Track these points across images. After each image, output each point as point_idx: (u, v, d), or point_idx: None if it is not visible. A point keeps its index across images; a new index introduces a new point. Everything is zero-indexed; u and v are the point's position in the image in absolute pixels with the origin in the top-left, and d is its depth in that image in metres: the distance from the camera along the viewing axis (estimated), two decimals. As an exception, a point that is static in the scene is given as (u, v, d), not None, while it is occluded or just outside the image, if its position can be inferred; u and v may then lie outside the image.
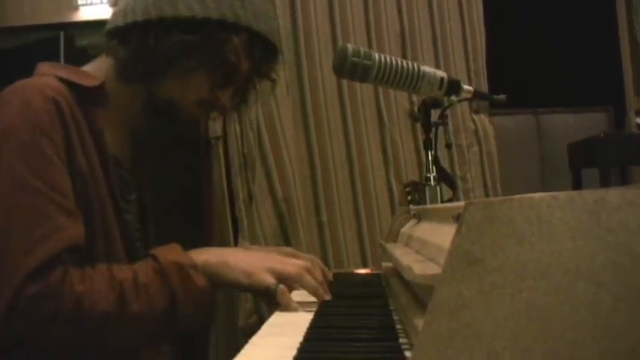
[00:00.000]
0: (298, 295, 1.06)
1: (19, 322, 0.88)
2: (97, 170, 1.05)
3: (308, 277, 1.06)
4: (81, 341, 0.92)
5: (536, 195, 0.48)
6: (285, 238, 2.27)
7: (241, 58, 1.16)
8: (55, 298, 0.89)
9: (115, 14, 1.17)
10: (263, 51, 1.18)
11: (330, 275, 1.25)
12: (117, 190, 1.09)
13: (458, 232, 0.48)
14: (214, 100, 1.17)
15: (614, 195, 0.47)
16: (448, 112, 1.42)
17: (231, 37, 1.13)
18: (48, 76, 1.07)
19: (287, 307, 1.02)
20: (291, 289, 1.06)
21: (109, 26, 1.16)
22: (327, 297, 1.06)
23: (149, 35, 1.11)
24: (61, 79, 1.06)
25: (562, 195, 0.48)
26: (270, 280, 1.03)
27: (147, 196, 1.25)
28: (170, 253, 1.01)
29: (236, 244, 2.27)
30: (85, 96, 1.07)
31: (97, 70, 1.16)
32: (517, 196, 0.48)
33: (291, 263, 1.08)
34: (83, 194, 1.00)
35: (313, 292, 1.05)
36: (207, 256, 1.04)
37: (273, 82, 1.27)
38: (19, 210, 0.93)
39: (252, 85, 1.24)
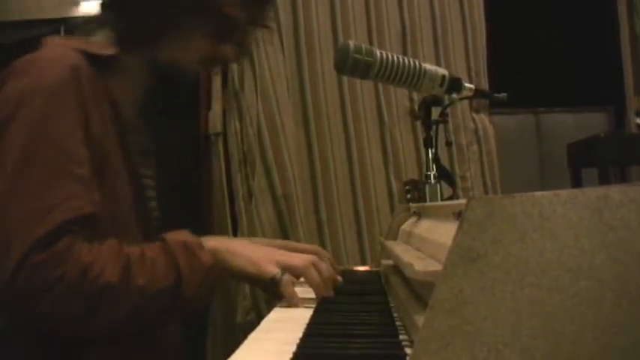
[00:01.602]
0: (300, 292, 1.06)
1: (22, 287, 0.88)
2: (113, 139, 1.05)
3: (313, 272, 1.05)
4: (84, 311, 0.91)
5: (538, 192, 0.48)
6: (284, 235, 2.27)
7: (237, 9, 1.15)
8: (60, 266, 0.89)
9: None
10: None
11: (337, 270, 1.24)
12: (135, 156, 1.10)
13: (459, 228, 0.48)
14: (216, 55, 1.16)
15: (616, 192, 0.47)
16: (448, 110, 1.42)
17: None
18: (62, 47, 1.08)
19: (290, 299, 1.02)
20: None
21: None
22: (328, 295, 1.06)
23: (143, 0, 1.10)
24: (77, 50, 1.06)
25: (564, 192, 0.48)
26: (275, 270, 1.03)
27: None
28: (178, 234, 1.02)
29: (235, 240, 2.27)
30: (101, 66, 1.08)
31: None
32: (519, 194, 0.48)
33: (297, 256, 1.08)
34: (99, 163, 1.01)
35: (315, 288, 1.05)
36: (214, 242, 1.05)
37: (268, 29, 1.26)
38: (31, 178, 0.93)
39: (250, 34, 1.23)
